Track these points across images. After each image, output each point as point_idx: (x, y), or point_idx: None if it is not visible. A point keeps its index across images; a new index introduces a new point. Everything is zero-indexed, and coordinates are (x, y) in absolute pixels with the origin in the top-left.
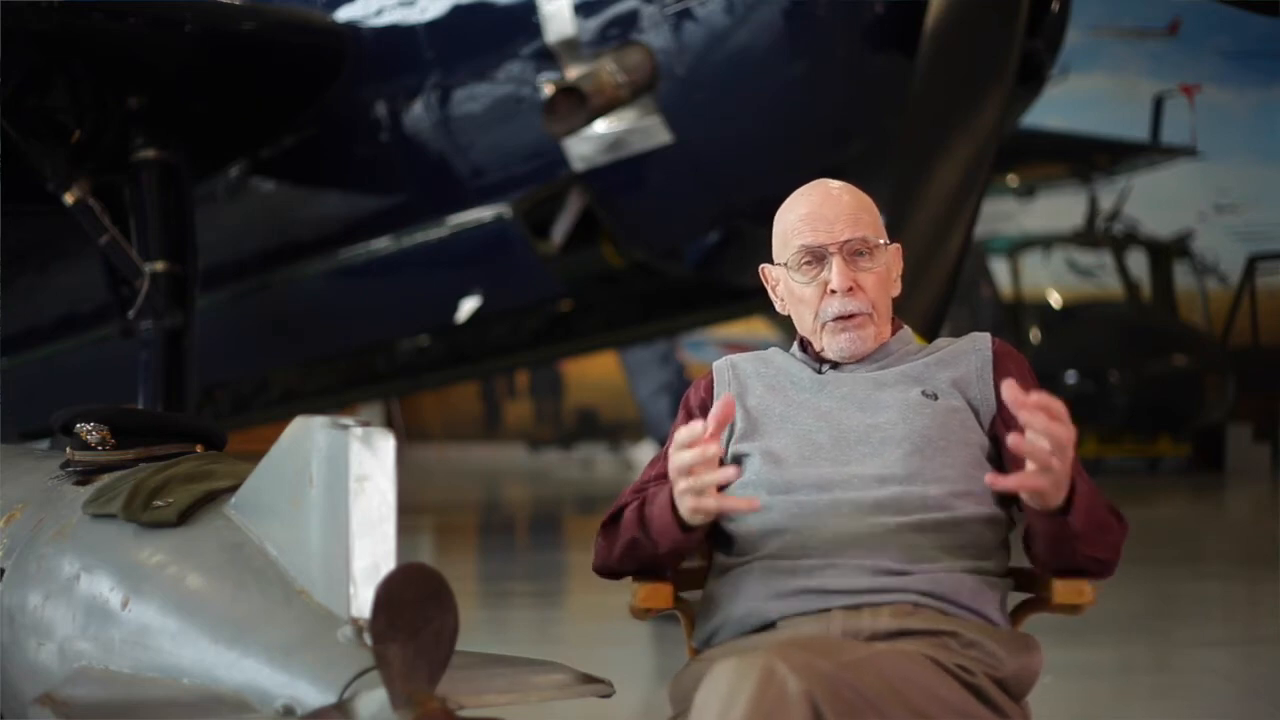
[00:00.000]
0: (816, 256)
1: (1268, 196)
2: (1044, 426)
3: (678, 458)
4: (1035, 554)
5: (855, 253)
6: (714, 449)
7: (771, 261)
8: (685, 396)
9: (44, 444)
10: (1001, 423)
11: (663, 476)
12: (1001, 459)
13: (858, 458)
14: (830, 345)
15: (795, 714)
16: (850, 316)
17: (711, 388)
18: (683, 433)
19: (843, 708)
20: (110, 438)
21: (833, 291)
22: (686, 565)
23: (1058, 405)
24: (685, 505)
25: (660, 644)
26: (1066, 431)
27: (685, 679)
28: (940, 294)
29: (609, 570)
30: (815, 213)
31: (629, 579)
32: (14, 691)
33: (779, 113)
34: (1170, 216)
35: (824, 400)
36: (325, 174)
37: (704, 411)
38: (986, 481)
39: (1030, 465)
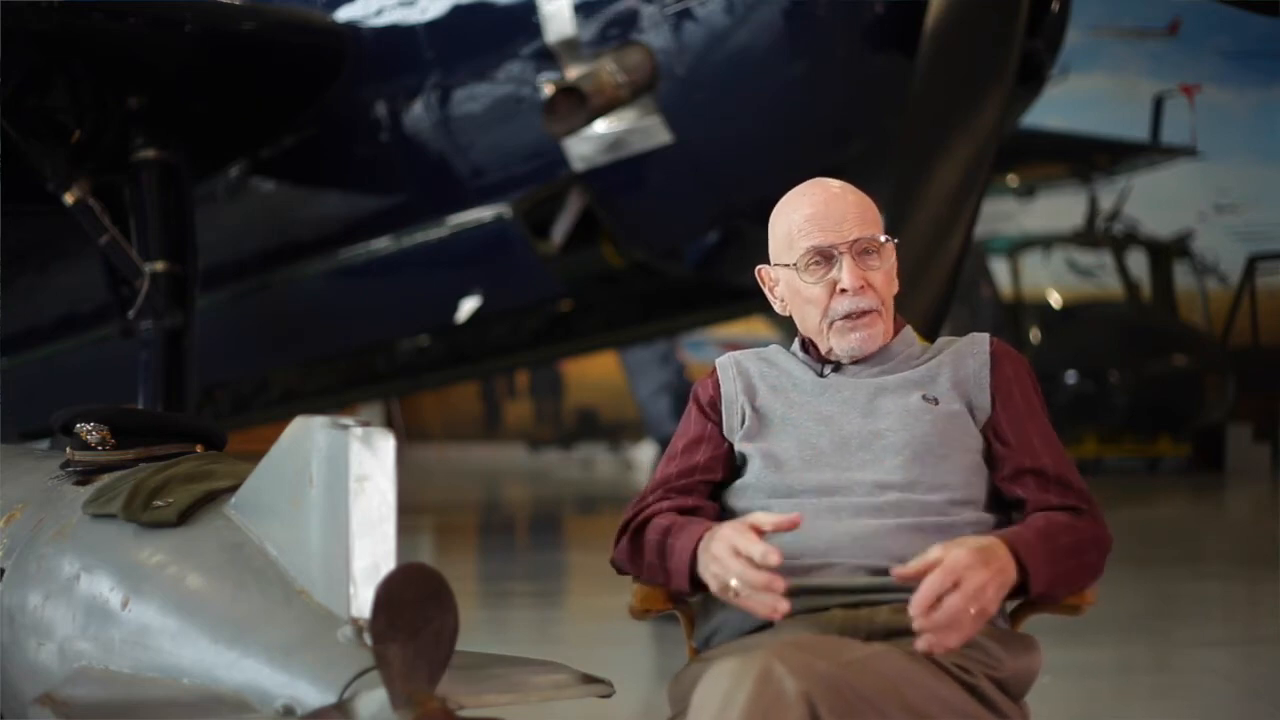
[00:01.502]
0: (825, 256)
1: (1268, 196)
2: (926, 599)
3: (743, 541)
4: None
5: (864, 251)
6: (774, 559)
7: (769, 262)
8: (694, 393)
9: (44, 444)
10: (993, 430)
11: (685, 472)
12: (994, 457)
13: (858, 464)
14: (840, 344)
15: (792, 714)
16: (862, 314)
17: (719, 385)
18: (763, 518)
19: (841, 708)
20: (110, 438)
21: (843, 290)
22: None
23: (923, 568)
24: (710, 575)
25: (660, 644)
26: (945, 575)
27: (685, 679)
28: (940, 294)
29: (625, 571)
30: (821, 213)
31: (629, 579)
32: (14, 691)
33: (779, 113)
34: (1170, 216)
35: (825, 404)
36: (325, 174)
37: (714, 409)
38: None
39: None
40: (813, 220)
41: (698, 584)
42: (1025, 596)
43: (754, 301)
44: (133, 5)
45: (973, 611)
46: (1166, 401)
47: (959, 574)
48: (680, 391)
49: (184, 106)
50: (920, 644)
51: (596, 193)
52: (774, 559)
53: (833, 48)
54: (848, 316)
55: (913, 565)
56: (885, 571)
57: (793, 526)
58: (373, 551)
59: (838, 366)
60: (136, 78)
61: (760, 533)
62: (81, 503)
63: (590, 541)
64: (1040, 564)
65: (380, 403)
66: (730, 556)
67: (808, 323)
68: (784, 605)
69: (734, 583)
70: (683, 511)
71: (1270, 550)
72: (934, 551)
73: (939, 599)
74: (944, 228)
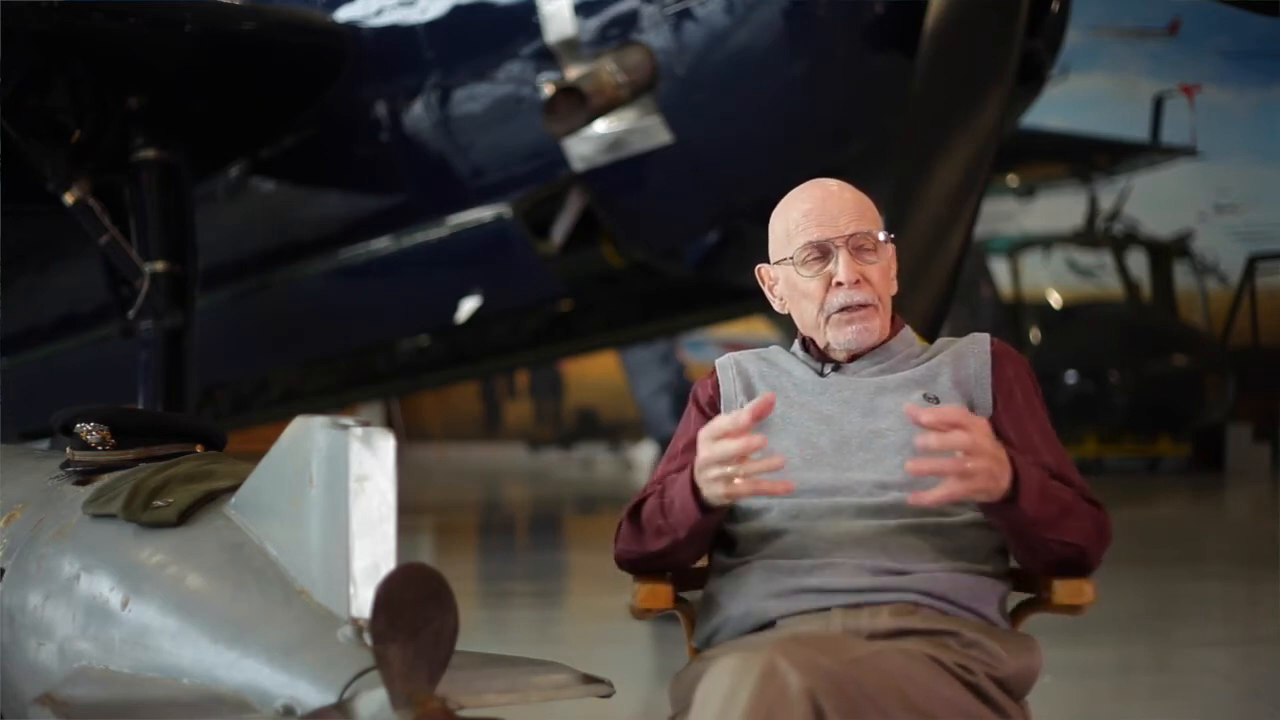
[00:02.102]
0: (822, 251)
1: (1268, 196)
2: (940, 443)
3: (719, 446)
4: (1015, 554)
5: (860, 247)
6: (758, 439)
7: (769, 262)
8: (693, 393)
9: (44, 444)
10: (994, 429)
11: (682, 470)
12: None
13: (858, 464)
14: (836, 338)
15: (796, 710)
16: (858, 307)
17: (718, 386)
18: (723, 421)
19: (844, 705)
20: (110, 438)
21: (839, 284)
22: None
23: (950, 413)
24: (716, 490)
25: (660, 644)
26: (967, 436)
27: (685, 679)
28: (940, 294)
29: (631, 559)
30: (819, 208)
31: (629, 579)
32: (14, 691)
33: (779, 113)
34: (1170, 216)
35: (825, 403)
36: (325, 174)
37: (713, 409)
38: (910, 501)
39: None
40: (810, 216)
41: (708, 509)
42: (1010, 508)
43: (754, 301)
44: (133, 5)
45: (967, 465)
46: (1166, 401)
47: (976, 439)
48: (680, 391)
49: (184, 106)
50: (909, 464)
51: (596, 193)
52: (744, 418)
53: (833, 48)
54: (844, 310)
55: (934, 413)
56: (886, 571)
57: (767, 409)
58: (373, 551)
59: (838, 366)
60: (136, 78)
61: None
62: (81, 503)
63: (590, 541)
64: (1032, 491)
65: (380, 403)
66: (714, 458)
67: (805, 318)
68: (776, 460)
69: (730, 469)
70: None
71: (1270, 550)
72: (958, 413)
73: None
74: (944, 228)
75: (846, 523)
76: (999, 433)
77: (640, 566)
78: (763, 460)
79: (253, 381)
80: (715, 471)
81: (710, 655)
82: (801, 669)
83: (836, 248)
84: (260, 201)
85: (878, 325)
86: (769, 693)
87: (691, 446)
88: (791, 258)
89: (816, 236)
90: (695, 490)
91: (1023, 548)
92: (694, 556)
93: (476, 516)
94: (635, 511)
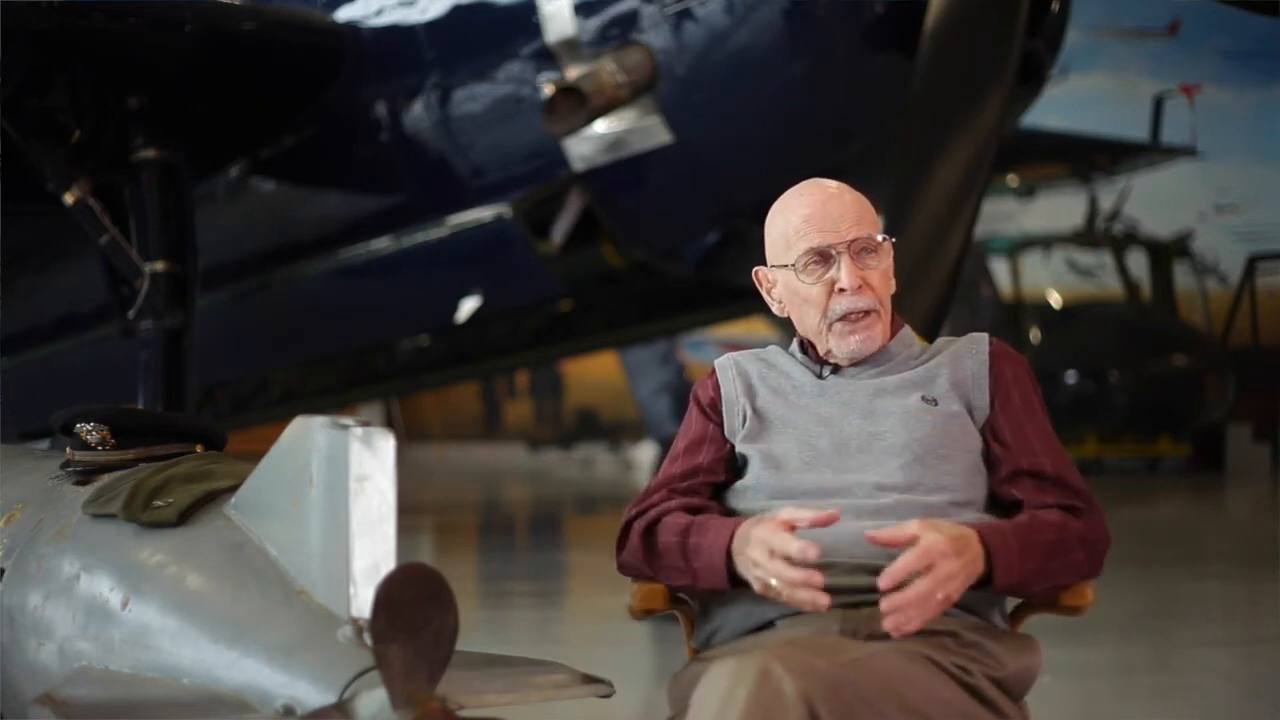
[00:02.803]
0: (823, 257)
1: (1268, 196)
2: (897, 576)
3: (778, 540)
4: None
5: (862, 250)
6: (813, 553)
7: (767, 264)
8: (694, 393)
9: (44, 444)
10: (991, 431)
11: (689, 473)
12: (992, 458)
13: (858, 466)
14: (839, 346)
15: (792, 715)
16: (861, 315)
17: (719, 386)
18: (791, 545)
19: (840, 708)
20: (110, 438)
21: (841, 290)
22: None
23: (905, 531)
24: (752, 576)
25: (660, 644)
26: (921, 557)
27: (684, 679)
28: (940, 294)
29: (636, 575)
30: (819, 213)
31: (629, 579)
32: (14, 691)
33: (779, 113)
34: (1170, 216)
35: (825, 406)
36: (325, 174)
37: (714, 410)
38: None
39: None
40: (810, 221)
41: (736, 580)
42: (991, 587)
43: (754, 301)
44: (133, 5)
45: (939, 597)
46: (1166, 401)
47: (933, 558)
48: (680, 391)
49: (184, 106)
50: (886, 623)
51: (596, 193)
52: (812, 554)
53: (833, 48)
54: (846, 317)
55: (887, 532)
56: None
57: (829, 523)
58: (373, 551)
59: (836, 368)
60: (136, 78)
61: (792, 528)
62: (81, 503)
63: (590, 541)
64: (1010, 560)
65: (380, 403)
66: (768, 558)
67: (806, 323)
68: (824, 599)
69: (774, 582)
70: (690, 511)
71: (1270, 550)
72: (911, 526)
73: (907, 579)
74: (944, 228)
75: (846, 524)
76: (996, 435)
77: (645, 578)
78: (809, 593)
79: (253, 381)
80: (757, 572)
81: (707, 657)
82: (796, 673)
83: (839, 253)
84: (260, 201)
85: (879, 332)
86: (764, 696)
87: (694, 447)
88: (793, 265)
89: (818, 242)
90: (728, 559)
91: (1021, 599)
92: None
93: (476, 516)
94: (648, 533)
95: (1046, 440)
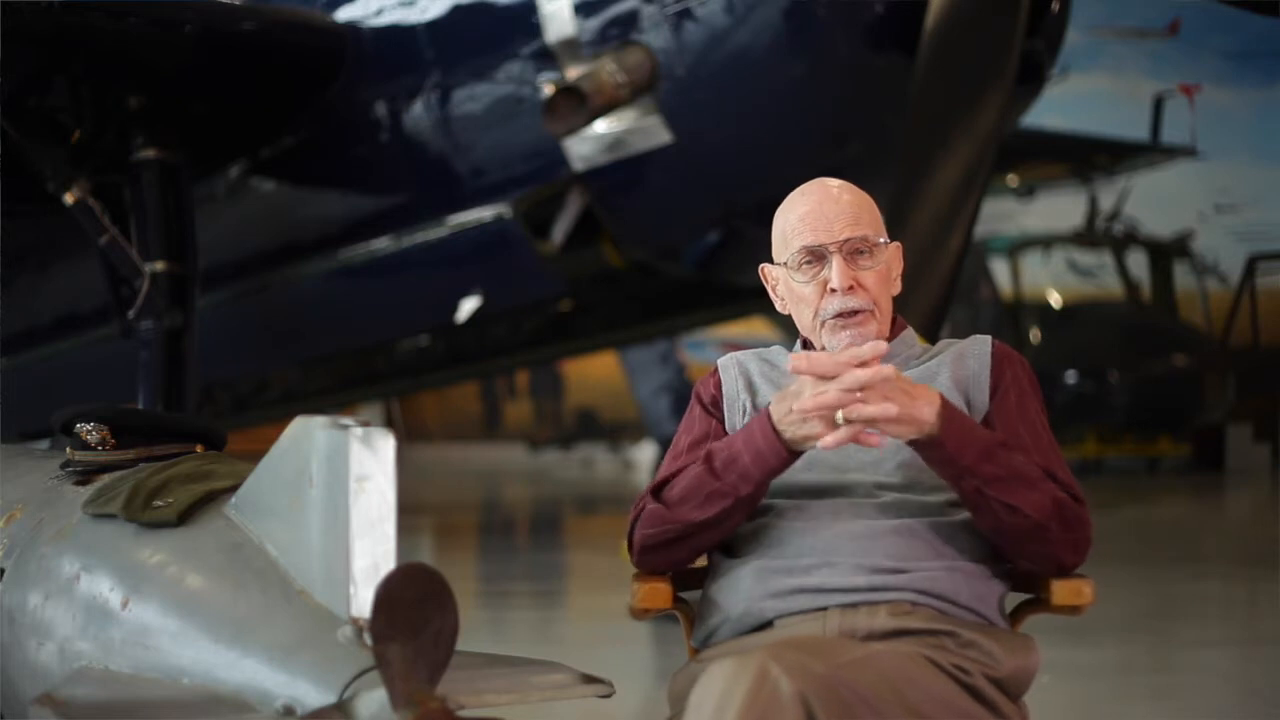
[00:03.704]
0: (816, 256)
1: (1268, 196)
2: (843, 386)
3: (850, 375)
4: (973, 516)
5: (855, 251)
6: (890, 369)
7: (771, 261)
8: (696, 391)
9: (44, 444)
10: (986, 426)
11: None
12: None
13: (857, 465)
14: (831, 344)
15: (788, 715)
16: (852, 314)
17: (720, 383)
18: (825, 362)
19: (837, 709)
20: (110, 438)
21: (832, 290)
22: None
23: (846, 356)
24: (807, 431)
25: (660, 644)
26: (865, 372)
27: (682, 679)
28: (940, 294)
29: (662, 540)
30: (815, 212)
31: (629, 579)
32: (14, 691)
33: (779, 113)
34: (1170, 216)
35: None
36: (325, 174)
37: (716, 408)
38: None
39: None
40: (805, 220)
41: (793, 453)
42: (935, 447)
43: (754, 301)
44: (133, 5)
45: (889, 393)
46: (1166, 401)
47: (886, 374)
48: (680, 391)
49: (184, 106)
50: (847, 411)
51: (596, 193)
52: (844, 358)
53: (832, 48)
54: (838, 316)
55: (850, 353)
56: (883, 571)
57: (876, 357)
58: (373, 551)
59: None
60: (136, 78)
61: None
62: (81, 503)
63: (590, 541)
64: (965, 435)
65: (380, 403)
66: (809, 402)
67: (803, 320)
68: (889, 369)
69: (839, 415)
70: None
71: (1270, 550)
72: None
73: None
74: (944, 228)
75: (845, 523)
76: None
77: (665, 554)
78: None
79: (253, 381)
80: (808, 427)
81: (706, 657)
82: (793, 673)
83: (830, 253)
84: (260, 201)
85: (873, 331)
86: (761, 697)
87: (696, 444)
88: (787, 262)
89: (810, 241)
90: (777, 435)
91: (968, 504)
92: (734, 526)
93: (476, 516)
94: (658, 492)
95: (1039, 440)
